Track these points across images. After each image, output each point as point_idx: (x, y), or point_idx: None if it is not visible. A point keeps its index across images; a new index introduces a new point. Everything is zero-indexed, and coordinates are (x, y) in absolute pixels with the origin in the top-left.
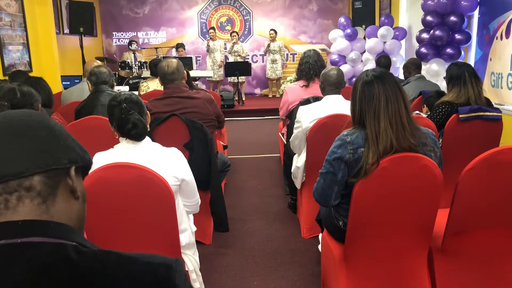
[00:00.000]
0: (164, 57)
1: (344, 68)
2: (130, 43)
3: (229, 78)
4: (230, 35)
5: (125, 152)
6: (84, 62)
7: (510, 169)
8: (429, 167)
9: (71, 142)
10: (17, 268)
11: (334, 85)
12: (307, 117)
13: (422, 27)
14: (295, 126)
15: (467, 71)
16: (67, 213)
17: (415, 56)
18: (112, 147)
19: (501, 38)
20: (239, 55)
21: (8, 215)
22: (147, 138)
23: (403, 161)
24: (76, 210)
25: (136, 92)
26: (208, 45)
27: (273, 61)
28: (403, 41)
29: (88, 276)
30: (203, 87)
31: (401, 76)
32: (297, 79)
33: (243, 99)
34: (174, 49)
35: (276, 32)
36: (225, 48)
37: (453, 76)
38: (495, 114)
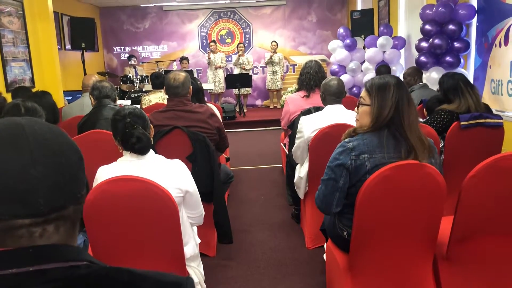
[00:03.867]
0: (165, 71)
1: (344, 78)
2: (129, 58)
3: (233, 90)
4: (237, 46)
5: (129, 165)
6: None
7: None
8: (432, 174)
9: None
10: None
11: (335, 95)
12: (309, 127)
13: (421, 36)
14: (297, 136)
15: (461, 80)
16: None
17: (415, 65)
18: (116, 161)
19: (500, 46)
20: (244, 68)
21: (41, 242)
22: (151, 151)
23: (405, 169)
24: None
25: (138, 106)
26: (209, 58)
27: (274, 73)
28: (402, 50)
29: None
30: (205, 98)
31: None
32: (298, 90)
33: (245, 110)
34: (175, 63)
35: (277, 44)
36: (227, 60)
37: (449, 88)
38: (496, 121)
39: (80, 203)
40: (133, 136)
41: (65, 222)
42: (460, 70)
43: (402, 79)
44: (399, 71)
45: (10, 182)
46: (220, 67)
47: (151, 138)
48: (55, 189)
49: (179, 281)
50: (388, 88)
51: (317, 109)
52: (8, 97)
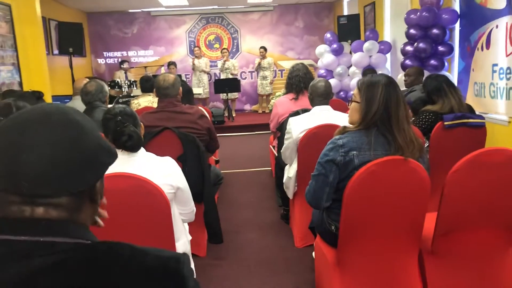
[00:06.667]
0: (154, 75)
1: (332, 82)
2: (122, 62)
3: (221, 95)
4: (221, 52)
5: (120, 162)
6: (74, 82)
7: (494, 170)
8: (417, 170)
9: (102, 151)
10: (38, 261)
11: (322, 96)
12: (298, 128)
13: (406, 40)
14: (285, 137)
15: (444, 82)
16: (87, 215)
17: (400, 69)
18: None
19: (482, 49)
20: (232, 73)
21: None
22: (142, 149)
23: (391, 164)
24: (93, 210)
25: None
26: (193, 63)
27: (264, 78)
28: (388, 55)
29: (104, 266)
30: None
31: None
32: (286, 93)
33: (233, 115)
34: (163, 68)
35: (266, 50)
36: (212, 66)
37: (432, 90)
38: (478, 121)
39: (79, 197)
40: (124, 134)
41: (56, 208)
42: (444, 73)
43: (404, 79)
44: None
45: (5, 160)
46: (204, 72)
47: (142, 136)
48: (42, 178)
49: (177, 255)
50: (376, 86)
51: (305, 111)
52: None
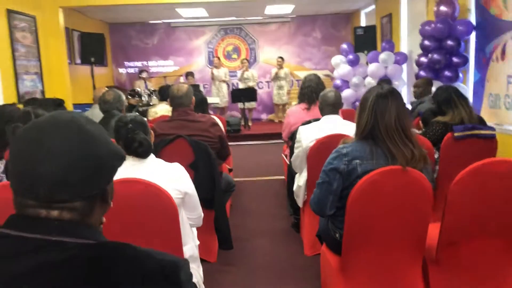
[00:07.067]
0: (172, 85)
1: (347, 92)
2: (141, 71)
3: (239, 105)
4: (241, 62)
5: (131, 168)
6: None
7: (498, 181)
8: (418, 179)
9: (113, 156)
10: (47, 256)
11: (332, 105)
12: (307, 137)
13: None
14: (295, 146)
15: (454, 93)
16: (98, 216)
17: (415, 80)
18: None
19: (497, 61)
20: (250, 83)
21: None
22: (152, 155)
23: (392, 174)
24: (104, 210)
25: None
26: (212, 73)
27: (280, 87)
28: (404, 66)
29: (106, 265)
30: (211, 112)
31: (404, 98)
32: (298, 103)
33: (250, 124)
34: (181, 78)
35: (283, 60)
36: (232, 76)
37: (443, 101)
38: (489, 132)
39: (91, 200)
40: (135, 141)
41: (70, 211)
42: (459, 84)
43: (413, 90)
44: (401, 86)
45: (22, 169)
46: (223, 81)
47: (152, 143)
48: (58, 185)
49: (176, 260)
50: (368, 98)
51: (317, 121)
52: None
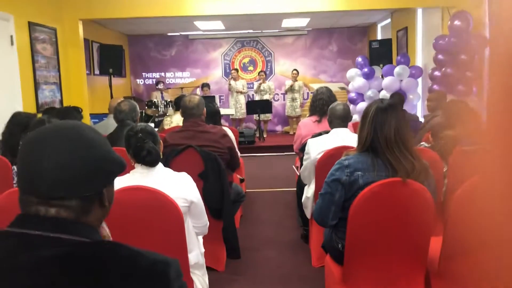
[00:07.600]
0: None
1: (362, 105)
2: (157, 83)
3: (254, 116)
4: (258, 74)
5: (139, 176)
6: None
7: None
8: (419, 191)
9: (109, 162)
10: (45, 252)
11: (340, 118)
12: (316, 149)
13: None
14: (304, 157)
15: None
16: (95, 217)
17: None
18: (128, 173)
19: None
20: (265, 96)
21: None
22: (160, 164)
23: (393, 185)
24: (102, 214)
25: (152, 125)
26: (229, 84)
27: (293, 100)
28: (419, 79)
29: (100, 263)
30: (226, 124)
31: (419, 112)
32: (310, 115)
33: (265, 136)
34: (198, 89)
35: (298, 72)
36: (249, 88)
37: (451, 114)
38: None
39: (88, 201)
40: (144, 150)
41: (66, 209)
42: (473, 98)
43: (427, 104)
44: (416, 100)
45: (25, 167)
46: (241, 93)
47: (161, 153)
48: (56, 183)
49: (166, 259)
50: (368, 112)
51: (327, 133)
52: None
